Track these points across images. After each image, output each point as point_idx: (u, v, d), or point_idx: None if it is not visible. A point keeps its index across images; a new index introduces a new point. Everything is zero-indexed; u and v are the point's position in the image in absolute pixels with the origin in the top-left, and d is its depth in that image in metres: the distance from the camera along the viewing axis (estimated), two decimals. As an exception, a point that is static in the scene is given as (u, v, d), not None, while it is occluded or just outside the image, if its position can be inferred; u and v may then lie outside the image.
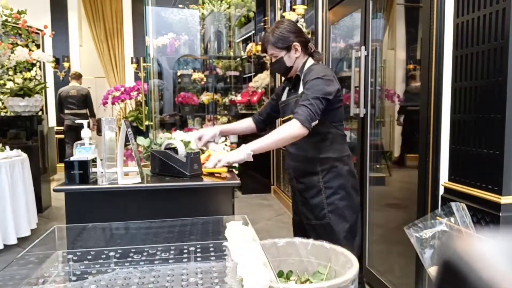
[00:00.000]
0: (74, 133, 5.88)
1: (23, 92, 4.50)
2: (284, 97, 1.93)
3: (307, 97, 1.66)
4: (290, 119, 1.72)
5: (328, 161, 1.80)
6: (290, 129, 1.63)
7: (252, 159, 1.64)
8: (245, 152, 1.62)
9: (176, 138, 1.95)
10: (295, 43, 1.79)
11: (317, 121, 1.66)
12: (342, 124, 1.86)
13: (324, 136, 1.78)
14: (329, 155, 1.80)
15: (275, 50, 1.80)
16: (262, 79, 5.53)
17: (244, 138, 5.37)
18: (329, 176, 1.80)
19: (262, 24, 5.65)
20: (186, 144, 1.91)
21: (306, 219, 1.88)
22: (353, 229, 1.85)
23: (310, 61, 1.85)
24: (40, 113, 4.94)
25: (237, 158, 1.64)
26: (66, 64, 7.22)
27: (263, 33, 5.29)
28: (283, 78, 2.00)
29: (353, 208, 1.84)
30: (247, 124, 2.12)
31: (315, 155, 1.80)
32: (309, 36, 3.72)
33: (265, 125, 2.14)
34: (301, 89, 1.78)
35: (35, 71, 6.53)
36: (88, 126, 1.77)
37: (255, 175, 5.47)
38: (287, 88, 1.94)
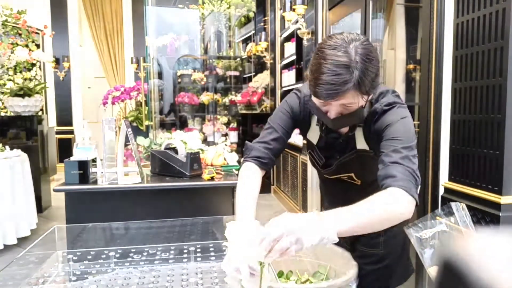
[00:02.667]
0: None
1: (23, 92, 4.50)
2: (315, 138, 1.29)
3: (397, 147, 1.02)
4: (349, 177, 1.27)
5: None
6: (395, 206, 0.94)
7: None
8: (333, 231, 0.85)
9: (176, 138, 1.95)
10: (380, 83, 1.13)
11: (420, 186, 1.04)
12: None
13: None
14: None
15: (359, 96, 1.03)
16: (262, 79, 5.53)
17: (244, 139, 5.37)
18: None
19: (262, 24, 5.65)
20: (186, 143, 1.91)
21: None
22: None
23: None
24: (40, 113, 4.94)
25: (316, 242, 0.85)
26: (66, 64, 7.21)
27: (263, 33, 5.30)
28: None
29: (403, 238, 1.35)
30: (259, 181, 1.23)
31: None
32: (309, 36, 3.72)
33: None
34: (361, 144, 1.20)
35: (35, 71, 6.53)
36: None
37: (255, 175, 5.46)
38: (316, 128, 1.28)
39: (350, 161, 1.23)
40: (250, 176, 1.20)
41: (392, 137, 1.06)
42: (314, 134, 1.29)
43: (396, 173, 0.97)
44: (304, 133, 1.34)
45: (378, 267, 1.36)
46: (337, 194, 1.40)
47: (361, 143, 1.20)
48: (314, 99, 1.08)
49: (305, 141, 1.45)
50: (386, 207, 0.93)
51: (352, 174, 1.26)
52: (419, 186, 1.02)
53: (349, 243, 1.40)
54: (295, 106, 1.26)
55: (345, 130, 1.21)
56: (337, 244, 1.11)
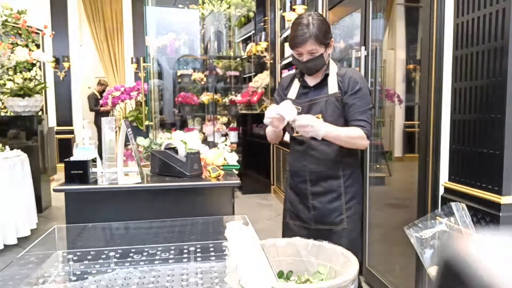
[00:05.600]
0: None
1: (23, 92, 4.50)
2: (293, 94, 1.79)
3: (365, 107, 1.67)
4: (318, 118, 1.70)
5: (350, 166, 1.77)
6: (359, 138, 1.64)
7: (319, 139, 1.60)
8: (323, 130, 1.57)
9: (176, 138, 1.95)
10: (332, 39, 1.70)
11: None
12: None
13: None
14: (350, 160, 1.77)
15: (318, 45, 1.63)
16: (262, 79, 5.53)
17: (244, 138, 5.37)
18: (350, 181, 1.76)
19: (262, 24, 5.65)
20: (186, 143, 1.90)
21: (316, 223, 1.78)
22: (360, 234, 1.89)
23: (331, 61, 1.77)
24: (40, 113, 4.94)
25: (318, 130, 1.56)
26: (66, 64, 7.22)
27: (263, 33, 5.30)
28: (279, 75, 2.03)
29: (361, 214, 1.87)
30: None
31: (339, 159, 1.74)
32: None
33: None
34: (332, 89, 1.71)
35: (35, 71, 6.53)
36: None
37: (255, 175, 5.47)
38: (296, 84, 1.80)
39: (320, 102, 1.72)
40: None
41: (358, 97, 1.66)
42: (293, 91, 1.81)
43: (363, 124, 1.65)
44: (285, 95, 1.82)
45: (345, 242, 1.71)
46: (299, 155, 1.83)
47: (332, 89, 1.71)
48: (293, 52, 1.71)
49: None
50: (355, 135, 1.63)
51: (320, 116, 1.70)
52: (370, 136, 1.68)
53: (310, 223, 1.80)
54: (283, 81, 1.90)
55: (313, 82, 1.76)
56: (298, 225, 1.83)
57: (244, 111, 5.63)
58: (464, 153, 1.61)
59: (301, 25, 1.62)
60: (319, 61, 1.67)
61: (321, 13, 3.46)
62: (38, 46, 5.52)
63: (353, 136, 1.63)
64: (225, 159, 2.09)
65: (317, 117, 1.69)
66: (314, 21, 1.62)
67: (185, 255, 1.34)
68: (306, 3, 3.70)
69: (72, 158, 1.69)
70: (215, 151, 2.08)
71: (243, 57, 6.12)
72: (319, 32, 1.61)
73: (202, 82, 5.82)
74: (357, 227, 1.81)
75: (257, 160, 5.44)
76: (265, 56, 5.47)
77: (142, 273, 1.24)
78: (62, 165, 1.75)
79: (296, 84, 1.81)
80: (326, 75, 1.73)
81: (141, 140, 2.10)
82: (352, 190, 1.77)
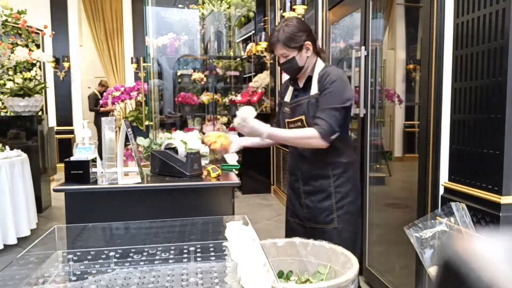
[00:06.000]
0: None
1: (23, 92, 4.50)
2: (288, 97, 1.87)
3: (327, 106, 1.66)
4: (301, 120, 1.75)
5: (340, 166, 1.78)
6: (309, 137, 1.66)
7: (263, 141, 1.79)
8: (265, 131, 1.69)
9: (176, 138, 1.94)
10: (307, 42, 1.73)
11: (337, 134, 1.68)
12: (349, 129, 1.88)
13: (337, 141, 1.74)
14: (341, 160, 1.78)
15: (286, 49, 1.71)
16: (262, 79, 5.53)
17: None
18: (340, 181, 1.78)
19: (262, 24, 5.65)
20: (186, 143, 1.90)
21: (310, 222, 1.83)
22: (357, 233, 1.86)
23: (320, 62, 1.80)
24: (40, 113, 4.94)
25: (258, 130, 1.69)
26: (66, 64, 7.22)
27: (263, 33, 5.30)
28: (283, 78, 2.02)
29: (358, 212, 1.86)
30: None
31: (328, 159, 1.76)
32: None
33: None
34: (313, 91, 1.74)
35: (35, 71, 6.53)
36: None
37: (255, 175, 5.47)
38: (291, 88, 1.87)
39: (303, 104, 1.76)
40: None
41: (326, 93, 1.68)
42: (288, 94, 1.88)
43: (319, 122, 1.65)
44: (282, 99, 1.92)
45: (337, 242, 1.71)
46: (293, 154, 1.91)
47: (314, 91, 1.75)
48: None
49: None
50: (304, 134, 1.68)
51: (303, 117, 1.75)
52: (335, 134, 1.67)
53: (305, 221, 1.84)
54: (283, 85, 1.99)
55: (302, 82, 1.81)
56: (296, 222, 1.89)
57: (244, 111, 5.62)
58: (464, 153, 1.61)
59: (274, 31, 1.76)
60: (291, 63, 1.74)
61: (321, 13, 3.46)
62: (38, 46, 5.53)
63: (301, 136, 1.68)
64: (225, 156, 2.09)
65: (299, 118, 1.77)
66: (284, 27, 1.71)
67: (185, 255, 1.34)
68: (306, 3, 3.70)
69: (72, 158, 1.69)
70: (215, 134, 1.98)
71: (243, 57, 6.12)
72: (285, 37, 1.69)
73: (202, 82, 5.82)
74: (349, 227, 1.80)
75: (257, 160, 5.44)
76: (265, 56, 5.47)
77: (142, 273, 1.24)
78: (62, 165, 1.75)
79: (290, 87, 1.88)
80: (309, 77, 1.77)
81: (141, 140, 2.10)
82: (343, 189, 1.78)
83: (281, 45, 1.71)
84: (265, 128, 1.69)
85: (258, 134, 1.71)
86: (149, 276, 1.22)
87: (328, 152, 1.73)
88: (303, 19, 3.69)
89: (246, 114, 1.70)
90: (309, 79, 1.77)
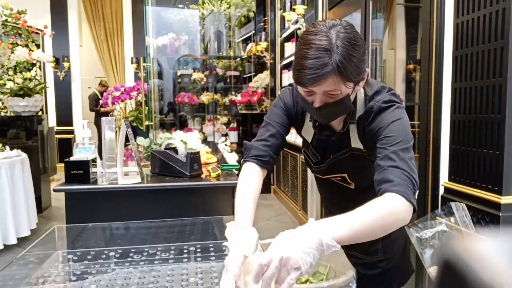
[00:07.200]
0: None
1: (23, 92, 4.50)
2: (309, 134, 1.25)
3: (394, 149, 0.96)
4: (341, 177, 1.22)
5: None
6: (393, 212, 0.89)
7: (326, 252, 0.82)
8: (331, 240, 0.80)
9: (176, 138, 1.95)
10: (367, 70, 1.05)
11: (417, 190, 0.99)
12: None
13: None
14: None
15: (343, 83, 0.97)
16: (262, 79, 5.53)
17: (245, 138, 5.37)
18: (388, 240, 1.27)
19: (262, 24, 5.65)
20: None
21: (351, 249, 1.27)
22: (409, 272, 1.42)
23: (361, 92, 1.13)
24: (40, 113, 4.94)
25: (320, 248, 0.79)
26: (66, 64, 7.21)
27: (263, 33, 5.30)
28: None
29: (406, 252, 1.38)
30: (259, 182, 1.15)
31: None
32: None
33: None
34: (355, 143, 1.14)
35: (35, 71, 6.53)
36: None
37: (255, 175, 5.46)
38: (309, 119, 1.22)
39: (343, 159, 1.17)
40: (249, 177, 1.13)
41: (388, 139, 0.99)
42: (308, 132, 1.25)
43: (393, 178, 0.92)
44: (299, 130, 1.28)
45: (379, 272, 1.32)
46: (332, 198, 1.37)
47: (355, 142, 1.14)
48: (299, 89, 1.02)
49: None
50: (383, 213, 0.88)
51: (345, 175, 1.20)
52: (417, 191, 0.97)
53: (345, 251, 1.26)
54: (288, 100, 1.22)
55: (338, 127, 1.16)
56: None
57: (244, 111, 5.63)
58: (464, 153, 1.61)
59: (317, 48, 0.93)
60: (342, 106, 1.03)
61: (321, 13, 3.45)
62: (38, 46, 5.53)
63: (386, 216, 0.88)
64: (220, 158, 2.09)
65: (340, 176, 1.19)
66: (340, 42, 0.94)
67: (185, 255, 1.34)
68: (306, 3, 3.70)
69: (72, 158, 1.69)
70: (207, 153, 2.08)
71: (243, 57, 6.12)
72: (346, 61, 0.93)
73: (202, 82, 5.82)
74: (396, 260, 1.35)
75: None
76: (265, 56, 5.47)
77: (142, 273, 1.24)
78: (62, 165, 1.75)
79: (307, 121, 1.24)
80: (345, 121, 1.14)
81: (141, 140, 2.10)
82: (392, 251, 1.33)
83: (337, 77, 0.94)
84: (322, 237, 0.79)
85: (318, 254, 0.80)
86: (149, 276, 1.22)
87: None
88: (302, 19, 3.69)
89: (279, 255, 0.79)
90: (346, 124, 1.14)
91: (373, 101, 1.09)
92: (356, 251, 1.30)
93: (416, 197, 0.96)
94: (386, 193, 0.91)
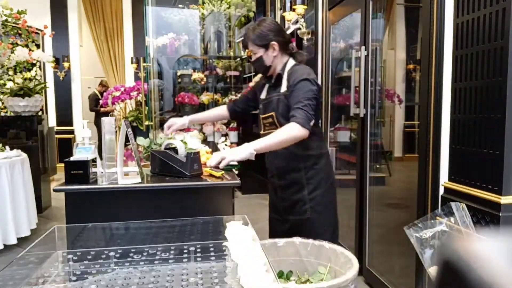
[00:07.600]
0: None
1: (23, 92, 4.50)
2: (263, 95, 1.97)
3: (299, 99, 1.70)
4: (271, 116, 1.85)
5: (311, 158, 1.86)
6: (292, 131, 1.66)
7: (253, 158, 1.66)
8: (248, 151, 1.62)
9: (176, 138, 1.95)
10: (273, 42, 1.83)
11: (313, 121, 1.73)
12: (319, 123, 1.97)
13: None
14: (311, 153, 1.86)
15: (254, 47, 1.85)
16: (262, 79, 5.52)
17: (244, 138, 5.37)
18: (311, 173, 1.86)
19: (262, 24, 5.64)
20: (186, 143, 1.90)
21: (286, 214, 1.92)
22: (332, 225, 1.93)
23: (292, 62, 1.89)
24: (40, 113, 4.94)
25: (240, 156, 1.61)
26: (66, 64, 7.22)
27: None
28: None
29: (332, 203, 1.94)
30: (219, 112, 2.22)
31: (299, 152, 1.84)
32: (309, 36, 3.72)
33: (237, 116, 2.31)
34: (283, 88, 1.84)
35: (35, 71, 6.53)
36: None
37: (255, 175, 5.47)
38: (266, 86, 1.97)
39: (273, 101, 1.86)
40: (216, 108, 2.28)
41: (296, 89, 1.73)
42: (264, 92, 1.97)
43: (296, 114, 1.68)
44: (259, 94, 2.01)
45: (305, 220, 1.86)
46: (268, 152, 1.95)
47: (284, 87, 1.83)
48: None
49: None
50: (286, 132, 1.65)
51: (273, 113, 1.84)
52: (312, 121, 1.70)
53: (283, 215, 1.94)
54: (259, 84, 2.07)
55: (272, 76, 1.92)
56: (277, 219, 1.97)
57: (244, 111, 5.62)
58: (464, 153, 1.61)
59: (247, 29, 1.90)
60: (259, 62, 1.87)
61: (321, 13, 3.46)
62: (38, 46, 5.53)
63: (286, 134, 1.65)
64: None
65: (270, 115, 1.87)
66: (256, 26, 1.85)
67: (185, 255, 1.34)
68: (306, 3, 3.70)
69: (72, 158, 1.69)
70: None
71: (243, 57, 6.11)
72: (254, 35, 1.84)
73: (202, 82, 5.82)
74: (322, 218, 1.87)
75: (257, 160, 5.43)
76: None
77: (142, 273, 1.24)
78: (62, 165, 1.75)
79: (266, 85, 1.99)
80: (279, 75, 1.87)
81: (141, 140, 2.10)
82: (315, 181, 1.86)
83: (250, 42, 1.86)
84: (247, 148, 1.62)
85: (246, 155, 1.62)
86: (149, 276, 1.22)
87: (298, 145, 1.78)
88: (302, 19, 3.70)
89: (219, 155, 1.63)
90: (279, 77, 1.87)
91: (296, 67, 1.86)
92: (293, 216, 1.89)
93: (311, 123, 1.70)
94: (291, 122, 1.67)
